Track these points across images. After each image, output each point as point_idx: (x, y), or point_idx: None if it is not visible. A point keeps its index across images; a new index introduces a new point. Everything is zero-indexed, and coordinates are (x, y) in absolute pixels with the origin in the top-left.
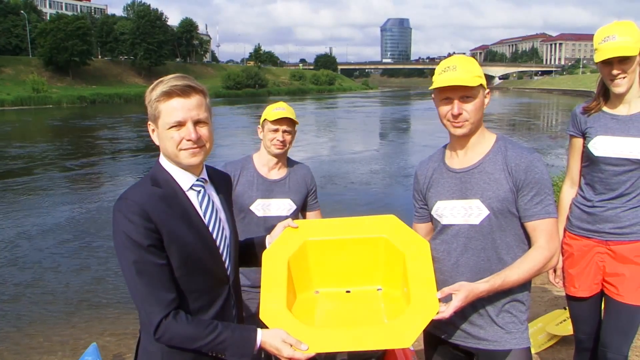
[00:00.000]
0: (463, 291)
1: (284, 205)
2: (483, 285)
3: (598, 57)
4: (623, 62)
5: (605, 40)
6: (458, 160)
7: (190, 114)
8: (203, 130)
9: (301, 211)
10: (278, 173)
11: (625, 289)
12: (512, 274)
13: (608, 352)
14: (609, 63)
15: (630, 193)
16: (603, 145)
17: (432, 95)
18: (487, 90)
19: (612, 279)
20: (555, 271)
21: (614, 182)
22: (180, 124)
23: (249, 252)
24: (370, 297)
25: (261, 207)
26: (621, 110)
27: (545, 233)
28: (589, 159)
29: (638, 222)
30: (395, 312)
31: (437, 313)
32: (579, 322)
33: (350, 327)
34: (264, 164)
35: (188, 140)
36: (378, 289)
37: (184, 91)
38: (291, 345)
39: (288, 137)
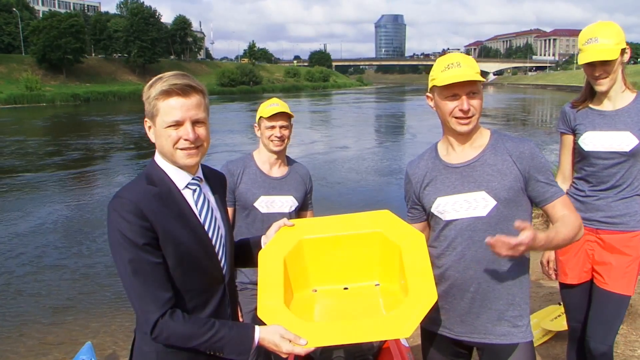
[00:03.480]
0: (532, 231)
1: (287, 202)
2: (542, 235)
3: (581, 59)
4: (605, 64)
5: (589, 42)
6: (456, 155)
7: (189, 114)
8: (201, 130)
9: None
10: (279, 171)
11: (611, 277)
12: (560, 232)
13: (592, 341)
14: (591, 64)
15: (621, 184)
16: (592, 141)
17: (428, 94)
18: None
19: (599, 268)
20: (548, 263)
21: (605, 174)
22: (178, 124)
23: (245, 252)
24: (368, 292)
25: (265, 204)
26: (607, 106)
27: (568, 207)
28: (580, 154)
29: (628, 212)
30: (394, 305)
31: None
32: (571, 310)
33: (349, 320)
34: (265, 162)
35: (185, 139)
36: (376, 284)
37: (184, 90)
38: (290, 341)
39: (285, 132)
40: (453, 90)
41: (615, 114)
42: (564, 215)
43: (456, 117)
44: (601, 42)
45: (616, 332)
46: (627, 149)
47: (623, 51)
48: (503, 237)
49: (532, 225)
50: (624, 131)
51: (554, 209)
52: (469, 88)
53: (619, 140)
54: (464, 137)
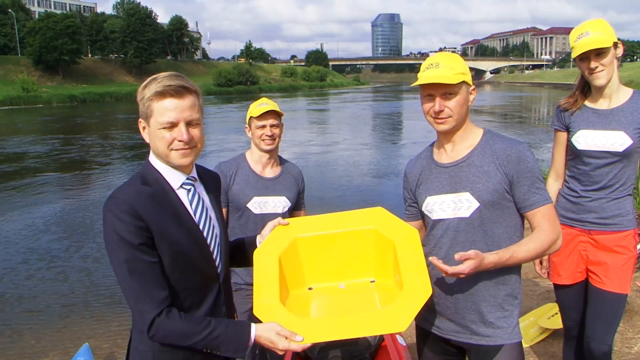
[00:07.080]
0: (476, 260)
1: (280, 203)
2: (492, 257)
3: (575, 53)
4: (599, 55)
5: (580, 37)
6: (446, 155)
7: (183, 115)
8: (195, 131)
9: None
10: (272, 171)
11: (608, 276)
12: (520, 250)
13: (592, 342)
14: (586, 58)
15: (613, 185)
16: (585, 139)
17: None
18: (473, 87)
19: (594, 268)
20: (541, 262)
21: (597, 174)
22: (172, 125)
23: (240, 252)
24: (363, 289)
25: (258, 205)
26: (602, 104)
27: (548, 218)
28: (572, 152)
29: (620, 213)
30: (390, 301)
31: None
32: (566, 310)
33: (344, 316)
34: (257, 162)
35: (180, 141)
36: (371, 281)
37: (178, 92)
38: (286, 338)
39: (276, 131)
40: (428, 90)
41: (610, 113)
42: (539, 229)
43: (432, 117)
44: (592, 34)
45: (615, 331)
46: (621, 149)
47: (615, 45)
48: (441, 264)
49: (476, 252)
50: (618, 131)
51: (534, 218)
52: (443, 89)
53: (612, 140)
54: (448, 136)
